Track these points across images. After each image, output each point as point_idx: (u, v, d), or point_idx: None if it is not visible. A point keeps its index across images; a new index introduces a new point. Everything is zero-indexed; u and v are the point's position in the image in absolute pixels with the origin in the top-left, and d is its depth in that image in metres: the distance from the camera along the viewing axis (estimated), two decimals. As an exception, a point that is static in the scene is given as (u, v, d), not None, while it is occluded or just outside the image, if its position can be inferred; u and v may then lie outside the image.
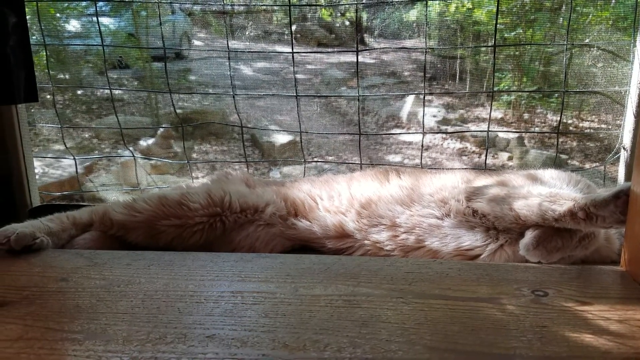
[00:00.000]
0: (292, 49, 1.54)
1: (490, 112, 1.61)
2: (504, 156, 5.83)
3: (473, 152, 5.91)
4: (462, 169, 1.43)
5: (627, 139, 1.48)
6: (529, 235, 1.15)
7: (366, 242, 1.32)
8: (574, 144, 5.53)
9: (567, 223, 1.10)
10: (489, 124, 1.57)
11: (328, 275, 1.11)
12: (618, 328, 0.89)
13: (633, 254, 1.03)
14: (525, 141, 5.74)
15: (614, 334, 0.87)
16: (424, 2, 1.82)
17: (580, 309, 0.95)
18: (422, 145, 1.57)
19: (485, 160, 1.50)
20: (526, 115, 6.43)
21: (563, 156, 5.23)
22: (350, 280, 1.09)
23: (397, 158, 5.99)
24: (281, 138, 5.85)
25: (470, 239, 1.24)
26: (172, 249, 1.33)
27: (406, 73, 8.57)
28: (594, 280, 1.06)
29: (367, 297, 1.01)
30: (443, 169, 1.47)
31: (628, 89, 1.47)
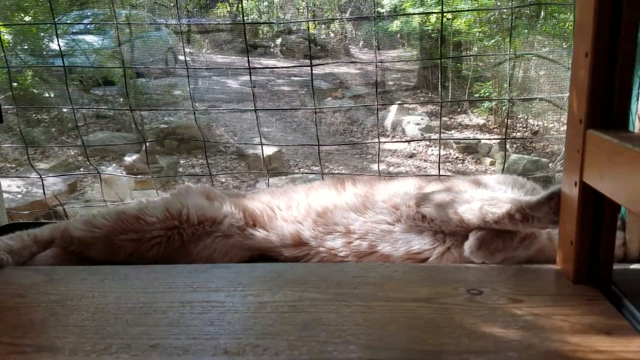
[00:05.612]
0: (249, 65, 1.58)
1: (440, 122, 1.67)
2: (486, 161, 5.91)
3: (456, 158, 5.97)
4: (416, 176, 1.48)
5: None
6: (472, 237, 1.19)
7: (321, 249, 1.36)
8: (555, 147, 5.60)
9: (506, 225, 1.15)
10: (439, 132, 1.62)
11: (278, 282, 1.15)
12: (544, 323, 0.93)
13: (565, 253, 1.07)
14: (507, 146, 5.81)
15: (540, 328, 0.91)
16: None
17: (511, 305, 0.99)
18: (378, 155, 1.62)
19: (439, 168, 1.55)
20: (509, 121, 6.50)
21: (544, 160, 5.31)
22: (299, 286, 1.12)
23: (381, 166, 6.06)
24: (266, 150, 5.88)
25: (420, 243, 1.28)
26: (132, 264, 1.36)
27: (390, 82, 8.66)
28: (530, 278, 1.10)
29: (312, 302, 1.05)
30: (398, 176, 1.51)
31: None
